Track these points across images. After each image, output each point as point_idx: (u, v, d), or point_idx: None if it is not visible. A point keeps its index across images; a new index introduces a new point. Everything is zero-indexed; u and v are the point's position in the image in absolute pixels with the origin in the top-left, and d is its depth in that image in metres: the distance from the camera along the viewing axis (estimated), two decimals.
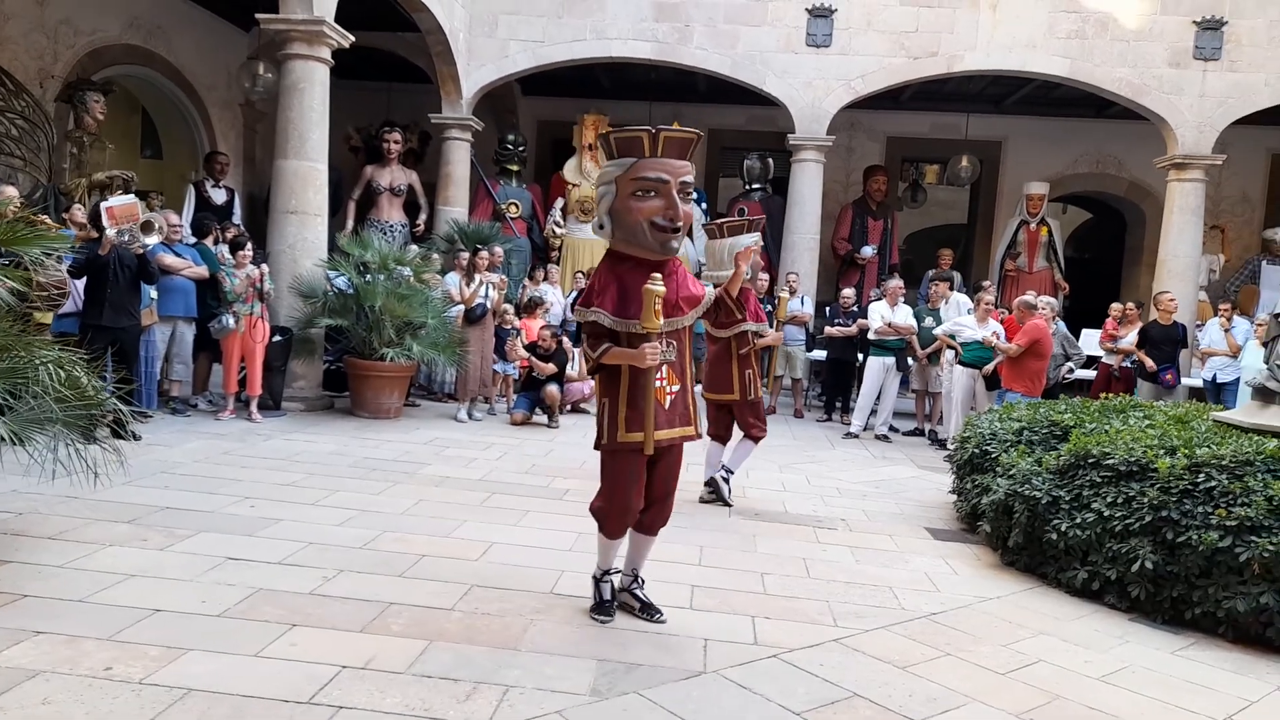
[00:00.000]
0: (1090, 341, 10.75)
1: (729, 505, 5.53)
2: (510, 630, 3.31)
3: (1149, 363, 8.67)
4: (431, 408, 8.85)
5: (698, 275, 5.08)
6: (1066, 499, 4.28)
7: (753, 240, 5.43)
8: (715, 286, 5.22)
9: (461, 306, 8.50)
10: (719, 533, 4.88)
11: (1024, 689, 3.11)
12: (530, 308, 9.46)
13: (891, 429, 9.01)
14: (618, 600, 3.57)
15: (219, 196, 9.96)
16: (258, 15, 7.89)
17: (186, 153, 11.28)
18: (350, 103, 11.45)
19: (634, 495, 3.37)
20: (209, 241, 7.96)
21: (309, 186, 7.91)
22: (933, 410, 9.22)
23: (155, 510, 4.48)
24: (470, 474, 5.93)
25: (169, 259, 7.08)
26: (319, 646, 3.04)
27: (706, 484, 5.67)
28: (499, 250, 9.72)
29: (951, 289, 10.09)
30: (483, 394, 8.65)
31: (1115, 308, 9.90)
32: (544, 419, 8.30)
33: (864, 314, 9.43)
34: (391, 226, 11.02)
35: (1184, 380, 9.47)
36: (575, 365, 9.07)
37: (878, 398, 8.91)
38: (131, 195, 6.78)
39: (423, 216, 11.44)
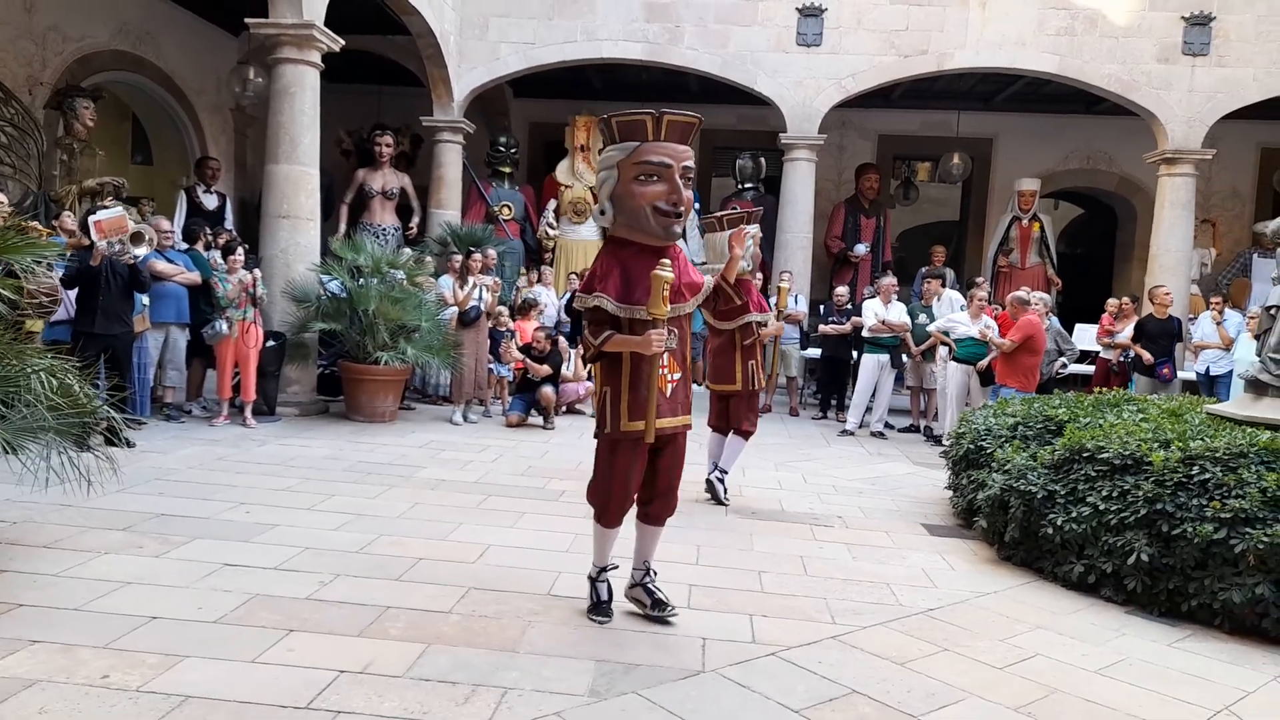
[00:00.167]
0: (1083, 336, 10.78)
1: (725, 505, 5.53)
2: (508, 632, 3.31)
3: (1146, 356, 8.70)
4: (426, 411, 8.84)
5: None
6: (1062, 493, 4.29)
7: (752, 230, 5.45)
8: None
9: (455, 309, 8.49)
10: (716, 531, 4.89)
11: (1022, 683, 3.12)
12: (524, 309, 9.46)
13: (887, 426, 9.03)
14: (629, 597, 3.55)
15: (210, 202, 9.93)
16: (247, 20, 7.88)
17: (177, 158, 11.24)
18: (341, 106, 11.43)
19: (633, 484, 3.35)
20: (199, 247, 7.94)
21: (301, 191, 7.89)
22: (928, 406, 9.25)
23: (150, 517, 4.46)
24: (466, 476, 5.92)
25: (161, 265, 7.06)
26: (316, 651, 3.03)
27: (708, 482, 5.68)
28: (492, 253, 9.72)
29: (944, 286, 10.11)
30: (478, 396, 8.65)
31: (1111, 303, 9.94)
32: (539, 421, 8.30)
33: (858, 312, 9.45)
34: (384, 230, 11.01)
35: (1178, 373, 9.50)
36: (570, 366, 9.07)
37: (873, 395, 8.93)
38: (119, 208, 6.75)
39: (415, 219, 11.43)
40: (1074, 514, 4.16)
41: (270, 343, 7.55)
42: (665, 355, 3.26)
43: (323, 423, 7.71)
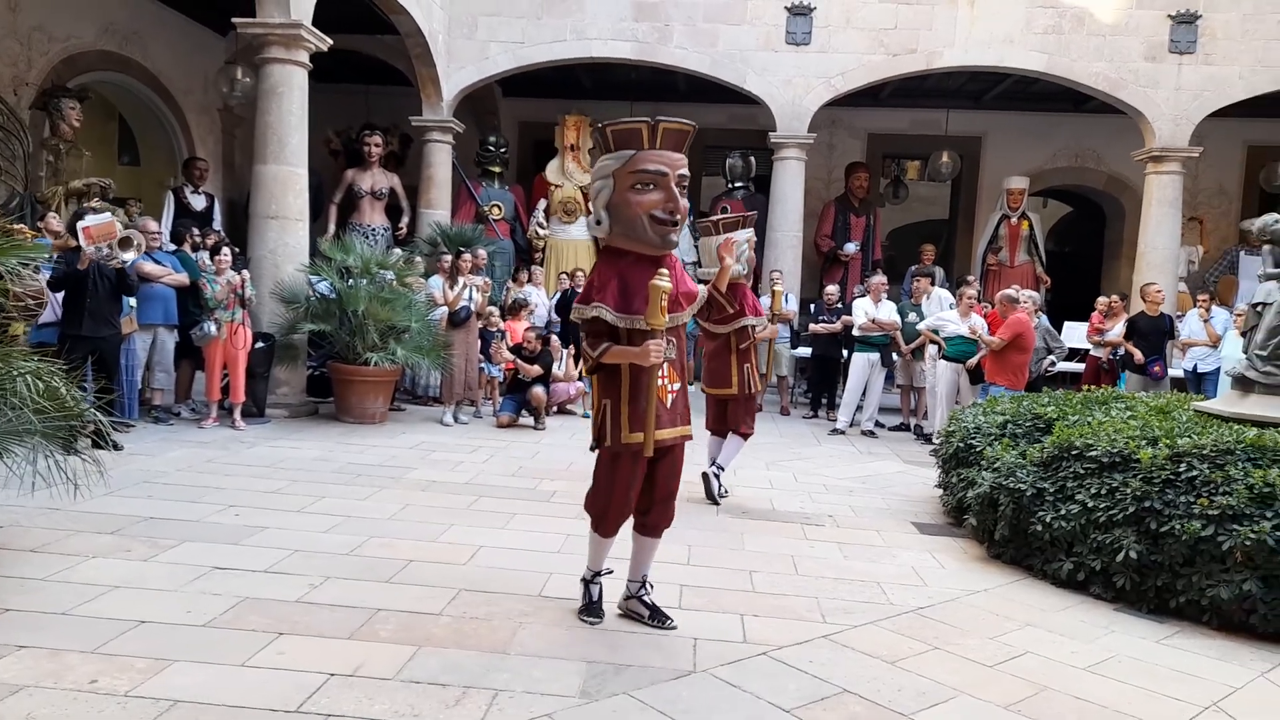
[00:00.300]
0: (1072, 334, 10.83)
1: (717, 503, 5.55)
2: (499, 634, 3.30)
3: (1137, 355, 8.75)
4: (417, 412, 8.81)
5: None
6: (1051, 491, 4.31)
7: (746, 235, 5.49)
8: (703, 284, 5.24)
9: (445, 309, 8.47)
10: (707, 531, 4.89)
11: (1012, 681, 3.13)
12: (515, 309, 9.44)
13: (877, 424, 9.05)
14: (626, 609, 3.53)
15: (198, 203, 9.88)
16: (234, 19, 7.84)
17: (165, 159, 11.18)
18: (329, 106, 11.39)
19: (633, 495, 3.33)
20: (185, 248, 7.90)
21: (289, 191, 7.86)
22: (918, 405, 9.27)
23: (138, 521, 4.43)
24: (457, 477, 5.91)
25: (148, 267, 7.02)
26: (306, 654, 3.02)
27: (713, 462, 5.73)
28: (482, 253, 9.70)
29: (933, 284, 10.14)
30: (468, 397, 8.63)
31: (1101, 301, 9.98)
32: (530, 421, 8.29)
33: (848, 311, 9.47)
34: (373, 230, 10.97)
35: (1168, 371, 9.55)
36: (562, 366, 9.06)
37: (863, 394, 8.95)
38: (108, 214, 6.71)
39: (405, 220, 11.39)
40: (1063, 511, 4.18)
41: (259, 344, 7.52)
42: (665, 365, 3.23)
43: (312, 424, 7.69)
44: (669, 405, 3.28)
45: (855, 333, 9.01)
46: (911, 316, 9.19)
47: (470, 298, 8.50)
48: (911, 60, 10.58)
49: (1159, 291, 9.14)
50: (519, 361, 8.34)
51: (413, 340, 8.01)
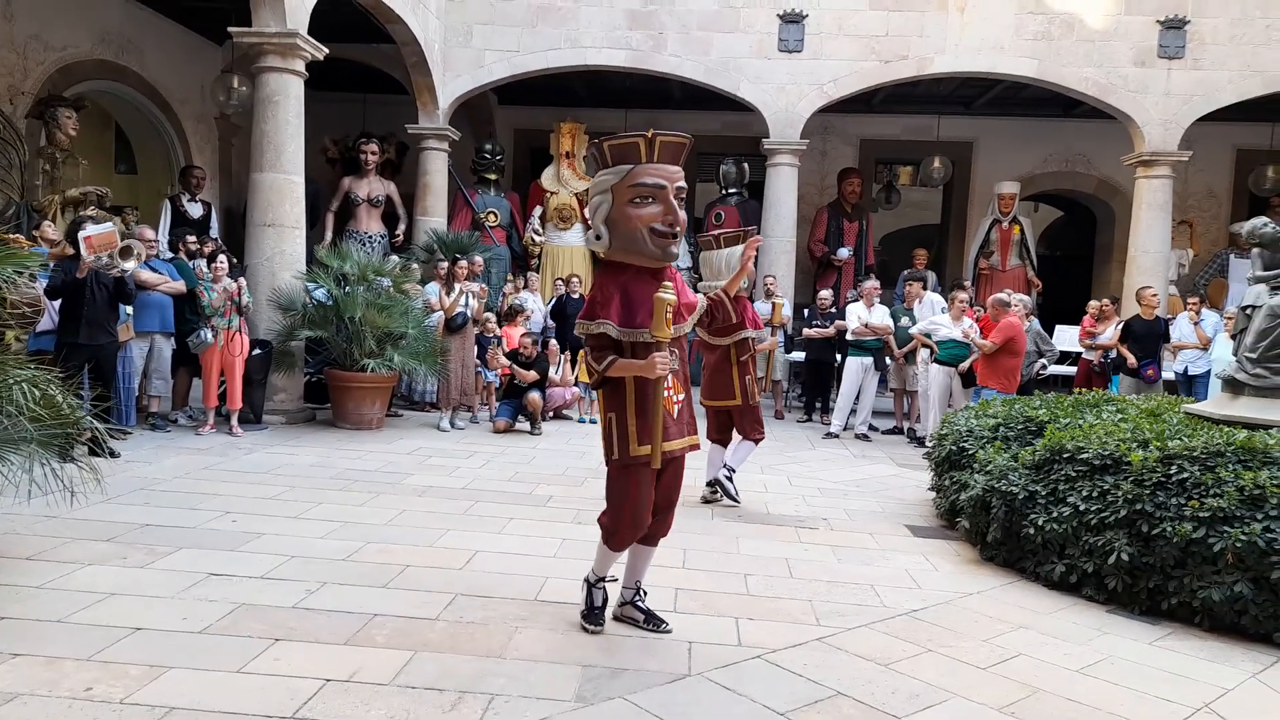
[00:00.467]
0: (1064, 338, 10.88)
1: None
2: (495, 638, 3.31)
3: (1130, 359, 8.79)
4: (414, 418, 8.82)
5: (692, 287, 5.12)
6: (1043, 494, 4.34)
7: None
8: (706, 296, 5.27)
9: (441, 314, 8.50)
10: (702, 535, 4.91)
11: (1005, 683, 3.15)
12: (511, 316, 9.46)
13: (871, 428, 9.08)
14: (621, 615, 3.53)
15: (195, 211, 9.89)
16: (230, 29, 7.86)
17: (161, 167, 11.19)
18: (326, 114, 11.43)
19: (646, 509, 3.30)
20: (181, 255, 7.91)
21: (286, 199, 7.88)
22: (911, 408, 9.31)
23: (135, 528, 4.44)
24: (453, 483, 5.92)
25: (145, 274, 7.03)
26: (302, 661, 3.03)
27: (709, 484, 5.77)
28: (479, 259, 9.73)
29: (926, 288, 10.19)
30: (465, 403, 8.64)
31: (1093, 305, 10.03)
32: (527, 426, 8.31)
33: (841, 315, 9.51)
34: (370, 237, 10.99)
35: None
36: (559, 371, 9.09)
37: (857, 397, 8.98)
38: (110, 224, 6.73)
39: (401, 227, 11.42)
40: (1055, 514, 4.21)
41: (256, 351, 7.53)
42: (670, 376, 3.23)
43: (309, 430, 7.69)
44: (675, 416, 3.29)
45: (849, 337, 9.05)
46: (904, 321, 9.24)
47: (467, 304, 8.53)
48: (903, 67, 10.64)
49: (1154, 295, 9.19)
50: (515, 367, 8.36)
51: (409, 346, 8.03)
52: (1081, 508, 4.11)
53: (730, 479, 5.70)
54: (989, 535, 4.58)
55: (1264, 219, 5.45)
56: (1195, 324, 9.41)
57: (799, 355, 10.27)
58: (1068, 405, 5.54)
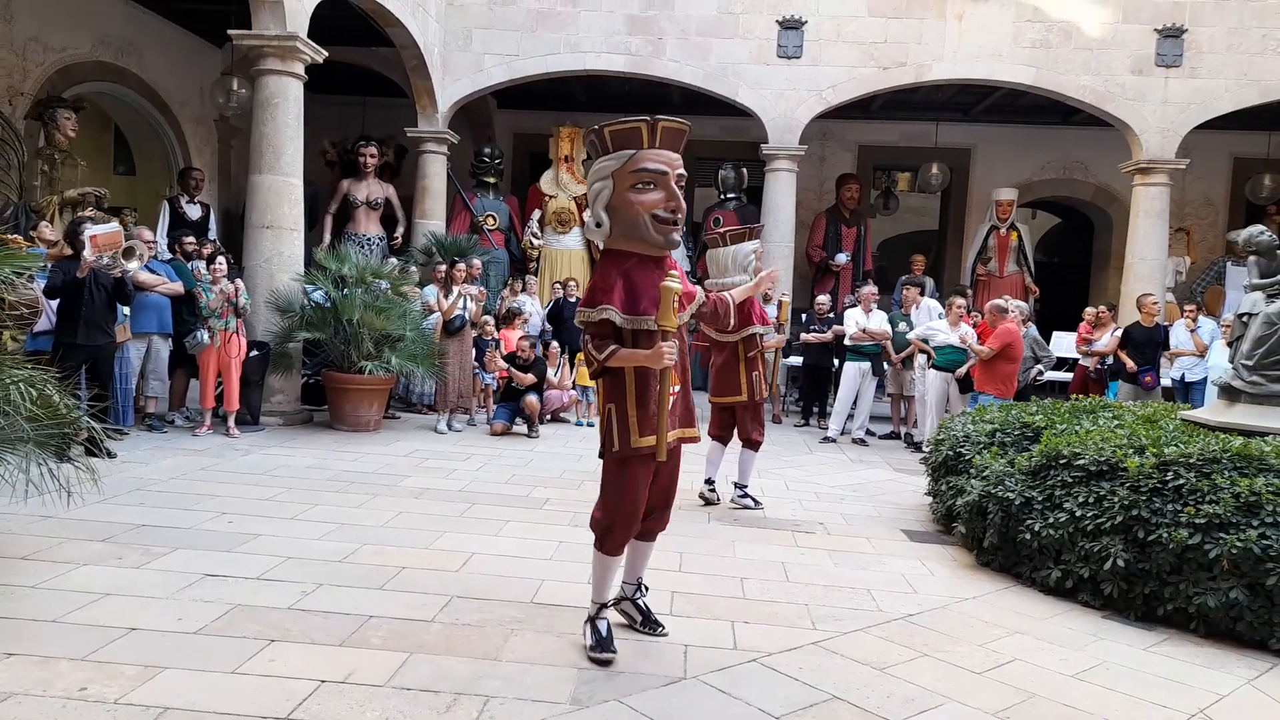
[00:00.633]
0: (1061, 344, 10.90)
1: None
2: (490, 641, 3.31)
3: (1130, 364, 8.81)
4: (411, 420, 8.82)
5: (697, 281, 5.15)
6: (1039, 499, 4.34)
7: (753, 246, 5.60)
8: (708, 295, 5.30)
9: (438, 316, 8.51)
10: (699, 539, 4.91)
11: (1000, 688, 3.15)
12: (509, 319, 9.47)
13: (868, 433, 9.09)
14: (617, 609, 3.50)
15: (194, 212, 9.89)
16: (230, 31, 7.87)
17: (160, 169, 11.20)
18: (325, 117, 11.44)
19: (642, 504, 3.24)
20: (178, 256, 7.91)
21: (284, 201, 7.89)
22: (908, 414, 9.32)
23: (131, 528, 4.43)
24: (450, 485, 5.92)
25: (143, 276, 7.02)
26: (298, 662, 3.03)
27: (707, 482, 5.82)
28: (477, 262, 9.73)
29: (923, 294, 10.21)
30: (462, 405, 8.64)
31: (1089, 312, 10.06)
32: (524, 429, 8.31)
33: (839, 320, 9.52)
34: (369, 240, 11.00)
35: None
36: (558, 373, 9.09)
37: (854, 402, 8.99)
38: (115, 223, 6.74)
39: (400, 230, 11.44)
40: (1051, 520, 4.21)
41: (254, 352, 7.53)
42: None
43: (307, 432, 7.69)
44: (670, 408, 3.21)
45: (846, 342, 9.06)
46: (902, 326, 9.25)
47: (465, 307, 8.53)
48: (901, 73, 10.68)
49: (1154, 303, 9.21)
50: (513, 370, 8.37)
51: (407, 349, 8.03)
52: (1078, 513, 4.12)
53: (745, 493, 5.74)
54: (985, 540, 4.58)
55: (1260, 227, 5.46)
56: (1192, 331, 9.44)
57: (796, 360, 10.28)
58: (1064, 411, 5.55)
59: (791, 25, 10.66)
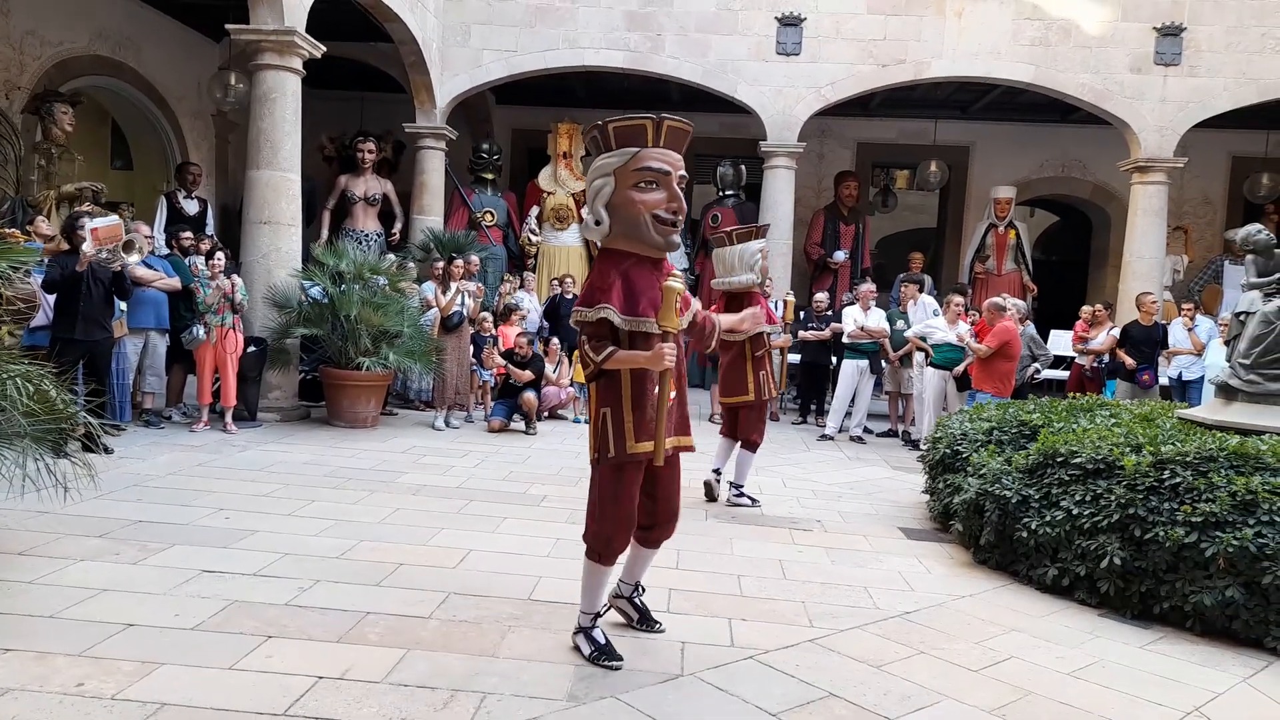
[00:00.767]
0: (1058, 342, 10.91)
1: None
2: (487, 637, 3.31)
3: (1129, 362, 8.82)
4: (408, 416, 8.82)
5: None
6: (1036, 497, 4.35)
7: (759, 246, 5.59)
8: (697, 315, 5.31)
9: (436, 312, 8.50)
10: (696, 536, 4.91)
11: (996, 685, 3.16)
12: (507, 315, 9.46)
13: (866, 430, 9.09)
14: (613, 607, 3.48)
15: (191, 208, 9.87)
16: (228, 26, 7.85)
17: (158, 164, 11.18)
18: (323, 112, 11.42)
19: (635, 512, 3.14)
20: (175, 252, 7.90)
21: (282, 197, 7.87)
22: (905, 411, 9.33)
23: (128, 524, 4.43)
24: (447, 482, 5.92)
25: (140, 271, 7.01)
26: (295, 658, 3.03)
27: (715, 470, 5.86)
28: (475, 259, 9.72)
29: (921, 291, 10.22)
30: (459, 402, 8.64)
31: (1085, 310, 10.07)
32: (522, 426, 8.30)
33: (837, 318, 9.52)
34: (366, 236, 10.98)
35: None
36: (555, 369, 9.08)
37: (852, 400, 9.00)
38: (115, 216, 6.72)
39: (398, 225, 11.41)
40: (1048, 518, 4.22)
41: (251, 348, 7.52)
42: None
43: (304, 428, 7.68)
44: (667, 414, 3.10)
45: (844, 340, 9.06)
46: (900, 324, 9.26)
47: (463, 303, 8.53)
48: (900, 71, 10.67)
49: (1153, 301, 9.23)
50: (510, 367, 8.36)
51: (405, 345, 8.02)
52: (1074, 512, 4.12)
53: (741, 492, 5.75)
54: (982, 538, 4.59)
55: (1258, 226, 5.48)
56: (1190, 330, 9.45)
57: (794, 357, 10.28)
58: (1062, 410, 5.55)
59: (790, 22, 10.65)
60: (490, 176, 12.14)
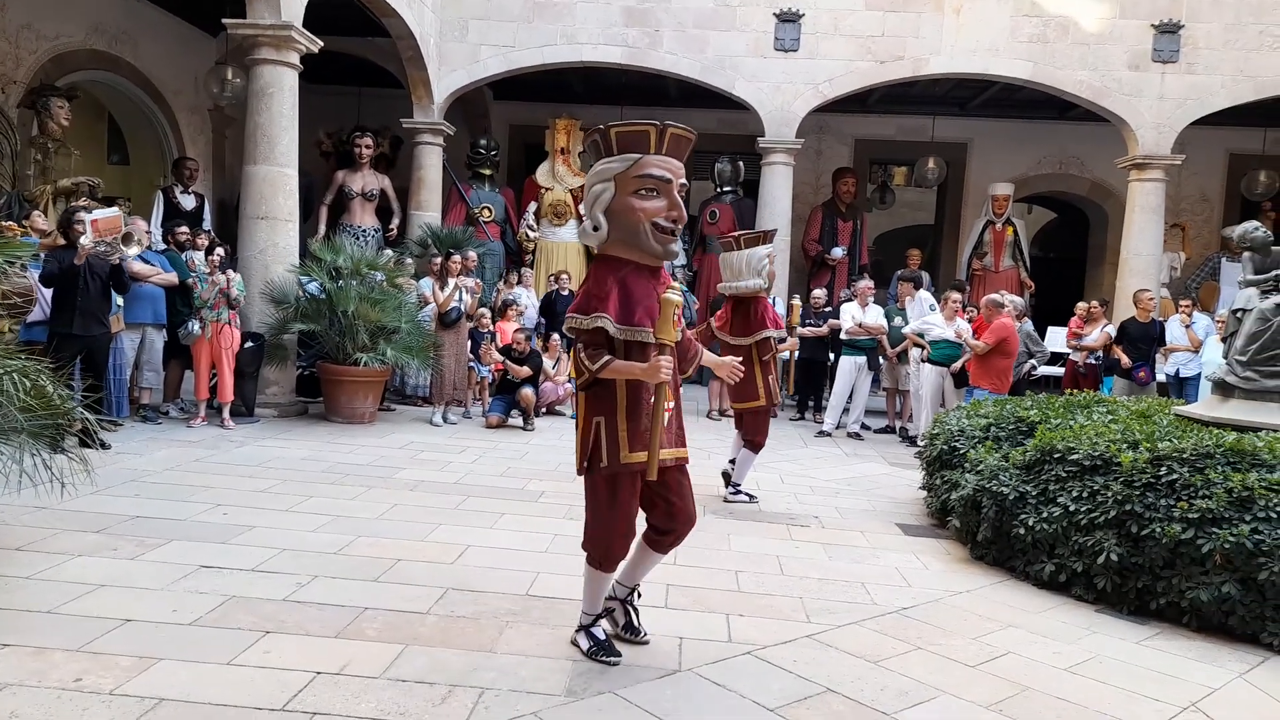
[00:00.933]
0: (1056, 339, 10.92)
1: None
2: (486, 632, 3.32)
3: (1124, 359, 8.83)
4: (406, 412, 8.81)
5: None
6: (1033, 494, 4.35)
7: (767, 251, 5.60)
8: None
9: (434, 308, 8.49)
10: (694, 531, 4.83)
11: (993, 681, 3.17)
12: (504, 311, 9.45)
13: (863, 427, 9.11)
14: (605, 608, 3.40)
15: (188, 203, 9.86)
16: (225, 20, 7.83)
17: (154, 158, 11.14)
18: (320, 107, 11.38)
19: (634, 519, 3.11)
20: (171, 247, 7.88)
21: (279, 192, 7.86)
22: (903, 408, 9.34)
23: (125, 519, 4.42)
24: (445, 478, 5.92)
25: (137, 266, 6.99)
26: (293, 653, 3.03)
27: (732, 461, 5.89)
28: (472, 254, 9.71)
29: (918, 288, 10.22)
30: (457, 398, 8.63)
31: (1080, 307, 10.09)
32: (519, 422, 8.30)
33: (835, 314, 9.53)
34: (364, 231, 10.97)
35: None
36: (555, 365, 9.08)
37: (850, 396, 9.01)
38: (115, 208, 6.70)
39: (395, 221, 11.40)
40: (1045, 514, 4.22)
41: (249, 344, 7.51)
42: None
43: (302, 424, 7.67)
44: (664, 424, 3.06)
45: (842, 336, 9.07)
46: (897, 320, 9.26)
47: (460, 299, 8.52)
48: (898, 67, 10.66)
49: (1151, 298, 9.24)
50: (508, 363, 8.36)
51: (402, 341, 8.02)
52: (1071, 508, 4.13)
53: (738, 490, 5.76)
54: (979, 534, 4.60)
55: (1255, 223, 5.48)
56: (1187, 326, 9.47)
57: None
58: (1059, 406, 5.56)
59: (789, 18, 10.64)
60: (488, 172, 12.12)
